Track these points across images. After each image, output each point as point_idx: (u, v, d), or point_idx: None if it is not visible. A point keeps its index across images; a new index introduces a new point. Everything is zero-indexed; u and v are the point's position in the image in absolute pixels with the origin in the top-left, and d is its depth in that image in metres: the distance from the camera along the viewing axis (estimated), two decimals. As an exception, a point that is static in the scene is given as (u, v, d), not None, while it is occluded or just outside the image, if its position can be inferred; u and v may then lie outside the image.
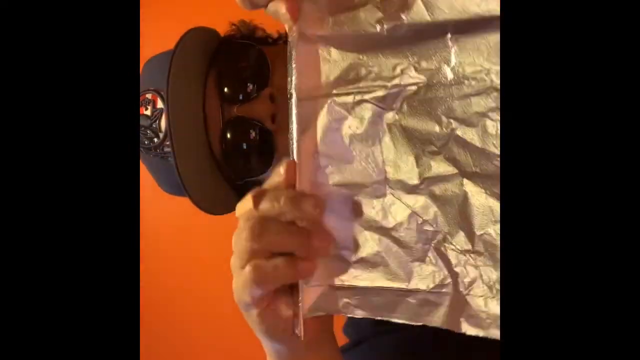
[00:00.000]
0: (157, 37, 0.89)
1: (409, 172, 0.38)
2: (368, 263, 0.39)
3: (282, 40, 0.67)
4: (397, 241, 0.38)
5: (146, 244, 1.00)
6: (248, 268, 0.37)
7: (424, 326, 0.51)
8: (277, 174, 0.39)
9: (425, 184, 0.37)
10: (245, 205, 0.39)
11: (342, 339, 0.58)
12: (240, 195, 0.64)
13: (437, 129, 0.37)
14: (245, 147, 0.57)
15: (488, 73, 0.35)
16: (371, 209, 0.39)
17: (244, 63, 0.59)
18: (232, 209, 0.66)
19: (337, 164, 0.40)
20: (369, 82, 0.38)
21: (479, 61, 0.35)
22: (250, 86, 0.57)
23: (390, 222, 0.38)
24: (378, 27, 0.37)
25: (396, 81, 0.37)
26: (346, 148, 0.39)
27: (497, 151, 0.35)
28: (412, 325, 0.51)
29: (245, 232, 0.38)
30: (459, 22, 0.35)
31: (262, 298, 0.38)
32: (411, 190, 0.38)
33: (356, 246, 0.39)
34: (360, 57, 0.38)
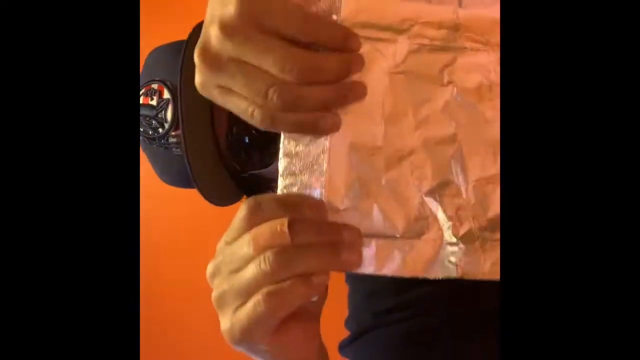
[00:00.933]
0: (157, 32, 0.88)
1: (406, 121, 0.39)
2: (356, 210, 0.38)
3: None
4: (387, 187, 0.38)
5: (145, 239, 1.00)
6: (259, 299, 0.33)
7: (424, 318, 0.51)
8: (306, 206, 0.36)
9: (420, 134, 0.38)
10: (264, 231, 0.34)
11: (344, 334, 0.58)
12: (242, 188, 0.65)
13: (438, 87, 0.39)
14: (251, 139, 0.57)
15: (488, 43, 0.39)
16: (363, 153, 0.39)
17: None
18: (235, 200, 0.66)
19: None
20: (377, 30, 0.39)
21: (481, 31, 0.39)
22: None
23: (381, 169, 0.38)
24: None
25: (404, 35, 0.39)
26: None
27: (493, 114, 0.38)
28: (413, 317, 0.52)
29: (267, 261, 0.33)
30: None
31: (273, 329, 0.35)
32: (406, 137, 0.38)
33: (344, 192, 0.38)
34: (373, 2, 0.39)
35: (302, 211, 0.35)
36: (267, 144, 0.58)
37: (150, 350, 1.10)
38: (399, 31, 0.39)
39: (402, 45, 0.39)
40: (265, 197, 0.36)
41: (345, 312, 0.59)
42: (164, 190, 0.67)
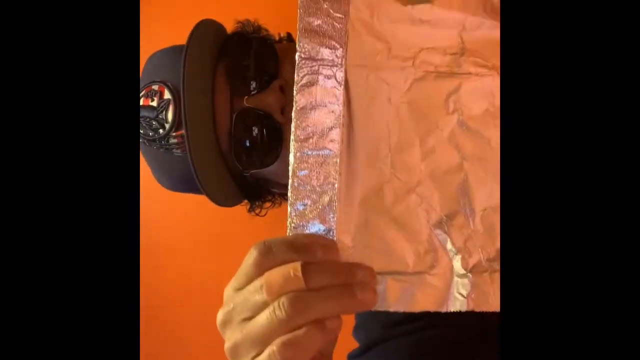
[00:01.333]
0: (157, 32, 0.89)
1: (412, 152, 0.38)
2: (366, 247, 0.38)
3: (284, 40, 0.67)
4: (396, 222, 0.38)
5: (145, 240, 1.00)
6: (274, 349, 0.32)
7: (433, 330, 0.51)
8: (318, 247, 0.34)
9: (426, 164, 0.38)
10: (277, 276, 0.33)
11: (352, 343, 0.57)
12: (243, 189, 0.65)
13: (444, 115, 0.38)
14: (253, 138, 0.57)
15: (493, 67, 0.38)
16: (371, 188, 0.38)
17: (253, 54, 0.58)
18: (237, 202, 0.66)
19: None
20: (384, 58, 0.38)
21: (486, 55, 0.38)
22: (260, 77, 0.57)
23: (389, 203, 0.38)
24: (405, 3, 0.38)
25: (409, 63, 0.38)
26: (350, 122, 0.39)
27: (499, 140, 0.37)
28: (422, 329, 0.51)
29: (282, 308, 0.32)
30: (475, 20, 0.38)
31: None
32: (413, 169, 0.38)
33: (354, 229, 0.38)
34: (379, 30, 0.38)
35: (313, 253, 0.34)
36: (267, 145, 0.58)
37: (150, 350, 1.10)
38: (404, 59, 0.38)
39: (408, 73, 0.38)
40: (275, 240, 0.35)
41: (352, 320, 0.59)
42: (163, 190, 0.67)
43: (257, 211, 0.70)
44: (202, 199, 0.62)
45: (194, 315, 1.36)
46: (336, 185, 0.37)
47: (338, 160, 0.37)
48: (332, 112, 0.37)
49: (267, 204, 0.70)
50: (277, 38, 0.68)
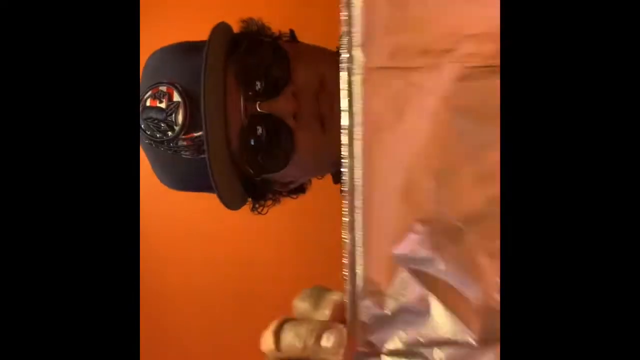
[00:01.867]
0: (157, 32, 0.89)
1: (462, 177, 0.28)
2: (410, 312, 0.28)
3: (283, 38, 0.67)
4: (450, 273, 0.29)
5: (145, 239, 1.00)
6: None
7: None
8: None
9: (482, 190, 0.28)
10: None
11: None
12: (249, 190, 0.64)
13: (492, 123, 0.27)
14: (265, 143, 0.57)
15: None
16: (409, 231, 0.29)
17: (266, 60, 0.59)
18: (243, 203, 0.66)
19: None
20: (412, 55, 0.28)
21: None
22: (273, 83, 0.57)
23: (438, 248, 0.29)
24: None
25: (447, 57, 0.28)
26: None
27: None
28: None
29: None
30: None
31: None
32: (464, 198, 0.28)
33: (393, 289, 0.29)
34: (401, 17, 0.28)
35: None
36: (279, 151, 0.58)
37: (150, 350, 1.10)
38: (441, 52, 0.28)
39: (447, 71, 0.28)
40: None
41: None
42: (164, 190, 0.67)
43: (259, 209, 0.70)
44: (202, 198, 0.62)
45: (194, 315, 1.37)
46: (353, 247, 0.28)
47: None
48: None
49: (269, 202, 0.71)
50: (277, 35, 0.68)
